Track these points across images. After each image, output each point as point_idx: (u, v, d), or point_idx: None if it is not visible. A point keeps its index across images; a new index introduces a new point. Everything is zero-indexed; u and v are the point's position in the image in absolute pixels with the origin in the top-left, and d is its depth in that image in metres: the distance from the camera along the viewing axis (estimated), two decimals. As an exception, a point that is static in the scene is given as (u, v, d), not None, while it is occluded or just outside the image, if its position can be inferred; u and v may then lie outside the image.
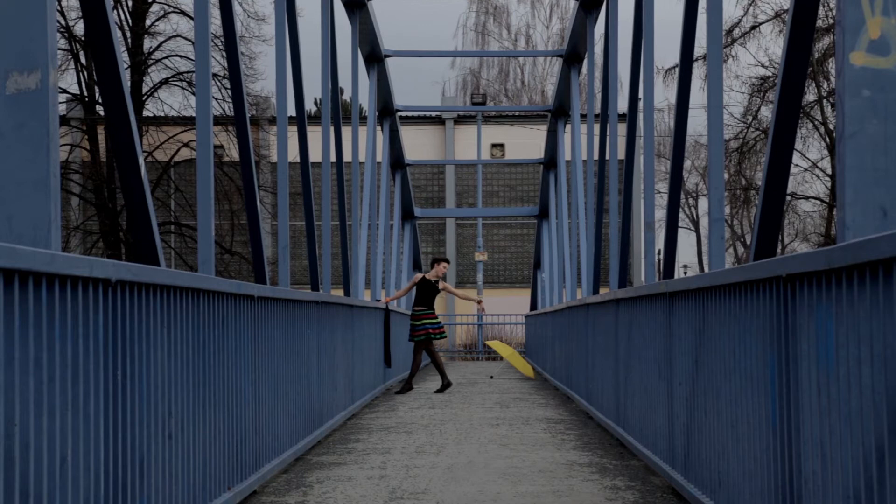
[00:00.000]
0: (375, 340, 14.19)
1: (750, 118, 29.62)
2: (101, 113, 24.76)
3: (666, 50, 65.91)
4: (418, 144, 36.81)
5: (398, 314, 17.39)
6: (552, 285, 22.67)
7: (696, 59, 23.11)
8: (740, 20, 27.96)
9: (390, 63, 20.16)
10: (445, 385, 14.79)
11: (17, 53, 4.45)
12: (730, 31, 27.57)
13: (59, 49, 24.36)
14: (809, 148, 36.35)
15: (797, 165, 33.14)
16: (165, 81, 26.42)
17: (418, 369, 15.36)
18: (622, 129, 17.07)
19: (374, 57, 19.03)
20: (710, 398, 5.41)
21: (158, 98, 26.64)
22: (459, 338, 32.89)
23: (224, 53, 18.76)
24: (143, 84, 26.40)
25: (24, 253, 3.27)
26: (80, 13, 7.72)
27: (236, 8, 10.89)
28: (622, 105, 22.94)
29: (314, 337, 9.02)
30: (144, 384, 4.45)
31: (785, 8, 27.03)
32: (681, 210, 32.85)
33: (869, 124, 4.47)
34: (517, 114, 40.02)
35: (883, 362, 3.12)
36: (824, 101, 28.61)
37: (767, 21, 27.96)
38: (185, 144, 26.12)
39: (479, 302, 16.85)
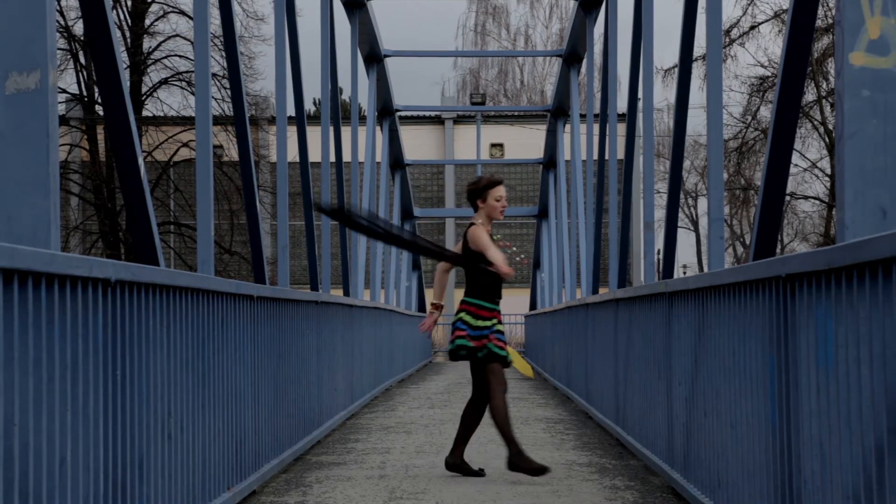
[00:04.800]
0: (375, 341, 14.19)
1: (749, 118, 29.61)
2: (101, 113, 24.74)
3: (666, 50, 65.90)
4: (418, 144, 36.80)
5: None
6: (552, 285, 22.69)
7: (696, 59, 23.11)
8: (739, 20, 27.96)
9: (390, 63, 20.17)
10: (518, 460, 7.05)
11: (16, 53, 4.45)
12: (728, 31, 27.56)
13: (59, 49, 24.33)
14: (809, 148, 36.39)
15: (797, 165, 33.13)
16: (165, 81, 26.42)
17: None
18: (622, 129, 17.08)
19: (373, 57, 19.03)
20: (710, 398, 5.41)
21: (158, 98, 26.64)
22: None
23: (224, 53, 18.76)
24: (143, 84, 26.38)
25: (23, 253, 3.27)
26: (80, 13, 7.72)
27: (236, 8, 10.90)
28: (622, 105, 22.93)
29: (314, 337, 9.02)
30: (144, 384, 4.44)
31: (784, 8, 27.02)
32: (680, 210, 32.86)
33: (868, 124, 4.47)
34: (516, 114, 40.03)
35: (882, 362, 3.12)
36: (824, 101, 28.60)
37: (766, 21, 27.97)
38: (185, 144, 26.11)
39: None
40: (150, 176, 26.14)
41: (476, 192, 7.22)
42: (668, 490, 6.50)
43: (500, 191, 7.21)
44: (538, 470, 6.81)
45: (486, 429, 9.93)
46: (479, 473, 7.05)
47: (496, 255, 7.05)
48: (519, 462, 6.86)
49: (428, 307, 7.24)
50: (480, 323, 7.11)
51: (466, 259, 7.20)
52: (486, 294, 7.17)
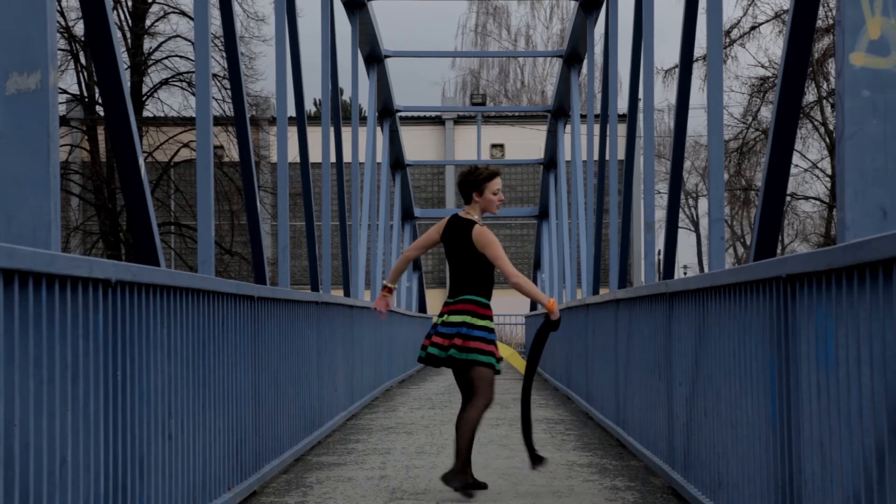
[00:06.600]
0: (375, 341, 14.19)
1: (750, 118, 29.62)
2: (101, 113, 24.74)
3: (666, 50, 65.89)
4: (418, 145, 36.80)
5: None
6: (552, 286, 22.68)
7: (696, 60, 23.11)
8: (740, 20, 27.97)
9: (390, 63, 20.18)
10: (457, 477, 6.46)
11: (16, 53, 4.46)
12: (729, 32, 27.57)
13: (59, 49, 24.35)
14: (809, 148, 36.37)
15: (797, 166, 33.14)
16: (165, 82, 26.43)
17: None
18: (622, 129, 17.10)
19: (373, 57, 19.04)
20: (710, 398, 5.41)
21: (158, 98, 26.65)
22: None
23: (224, 53, 18.77)
24: (143, 84, 26.39)
25: (23, 253, 3.27)
26: (80, 13, 7.73)
27: (236, 8, 10.91)
28: (622, 105, 22.95)
29: (314, 337, 9.02)
30: (144, 384, 4.44)
31: (785, 8, 27.03)
32: (681, 210, 32.87)
33: (869, 124, 4.47)
34: (517, 114, 40.01)
35: (883, 363, 3.12)
36: (824, 101, 28.60)
37: (767, 21, 27.97)
38: (185, 145, 26.13)
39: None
40: (151, 176, 26.15)
41: (473, 183, 6.58)
42: (669, 490, 6.50)
43: (498, 183, 6.63)
44: (468, 488, 6.34)
45: (486, 429, 9.93)
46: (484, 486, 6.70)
47: (512, 269, 6.43)
48: (452, 479, 6.36)
49: (381, 290, 6.72)
50: (439, 320, 6.61)
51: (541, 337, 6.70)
52: (450, 289, 6.73)
